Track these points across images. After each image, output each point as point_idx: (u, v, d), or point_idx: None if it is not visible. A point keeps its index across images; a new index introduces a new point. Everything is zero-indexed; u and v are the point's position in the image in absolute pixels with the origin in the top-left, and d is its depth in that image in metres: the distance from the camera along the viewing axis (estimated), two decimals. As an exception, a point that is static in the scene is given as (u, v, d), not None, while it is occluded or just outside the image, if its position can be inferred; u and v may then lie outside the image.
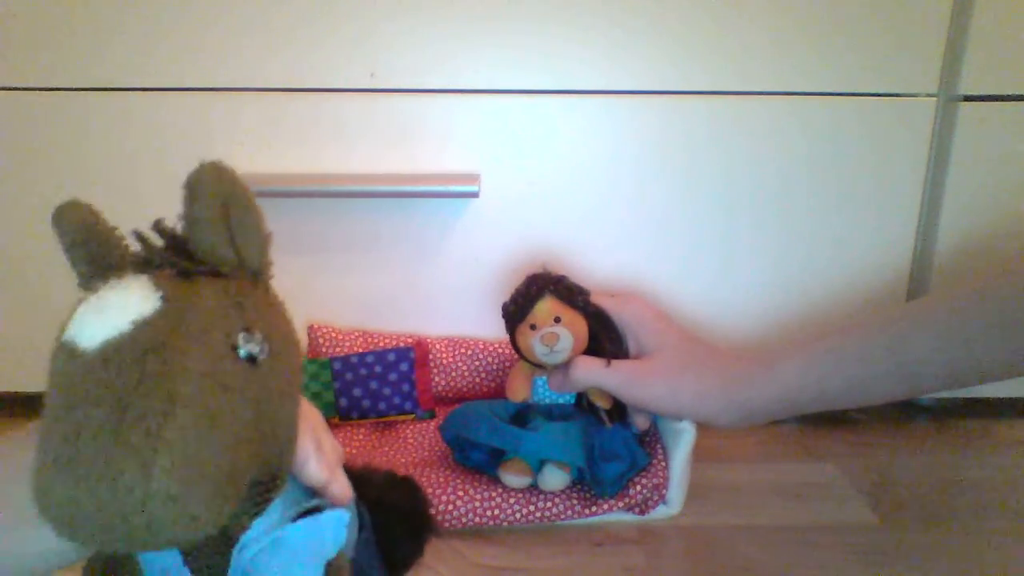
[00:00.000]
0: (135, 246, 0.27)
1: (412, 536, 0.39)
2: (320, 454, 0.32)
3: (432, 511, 0.41)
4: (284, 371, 0.27)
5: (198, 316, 0.24)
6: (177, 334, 0.24)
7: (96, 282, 0.25)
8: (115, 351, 0.23)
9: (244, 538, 0.27)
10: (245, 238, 0.26)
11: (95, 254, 0.26)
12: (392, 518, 0.38)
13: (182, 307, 0.24)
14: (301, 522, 0.28)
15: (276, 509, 0.28)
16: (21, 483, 0.23)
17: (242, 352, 0.25)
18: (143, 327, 0.23)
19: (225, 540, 0.28)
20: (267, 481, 0.27)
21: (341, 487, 0.33)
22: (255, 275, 0.27)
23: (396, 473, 0.43)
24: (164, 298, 0.24)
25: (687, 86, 0.56)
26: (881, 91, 0.56)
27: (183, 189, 0.25)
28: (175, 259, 0.26)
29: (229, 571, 0.27)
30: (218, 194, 0.25)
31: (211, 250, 0.26)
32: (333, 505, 0.31)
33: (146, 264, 0.26)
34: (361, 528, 0.35)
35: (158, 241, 0.27)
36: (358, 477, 0.35)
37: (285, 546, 0.28)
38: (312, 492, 0.32)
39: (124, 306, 0.24)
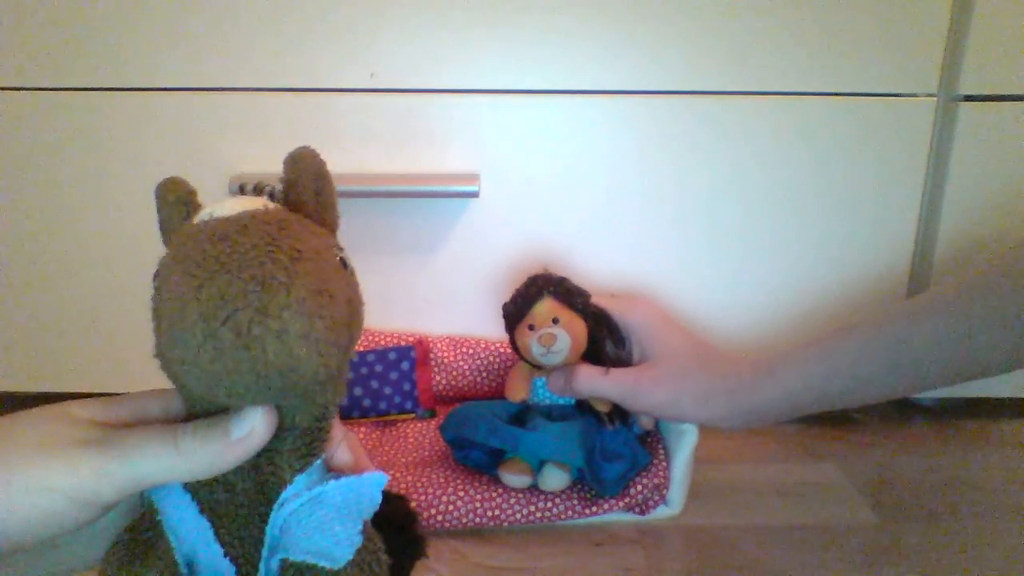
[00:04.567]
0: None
1: (400, 555, 0.38)
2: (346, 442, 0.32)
3: (421, 531, 0.38)
4: (356, 300, 0.28)
5: (304, 220, 0.28)
6: (295, 222, 0.26)
7: None
8: (251, 216, 0.26)
9: (283, 495, 0.27)
10: (327, 207, 0.30)
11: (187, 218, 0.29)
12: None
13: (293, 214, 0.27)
14: (342, 479, 0.28)
15: (316, 470, 0.28)
16: None
17: (339, 254, 0.28)
18: (269, 211, 0.26)
19: (262, 503, 0.28)
20: (319, 425, 0.28)
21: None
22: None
23: (388, 491, 0.41)
24: (277, 206, 0.28)
25: (687, 86, 0.56)
26: (881, 91, 0.56)
27: (284, 162, 0.29)
28: (278, 193, 0.29)
29: (267, 529, 0.27)
30: (314, 165, 0.29)
31: (303, 208, 0.29)
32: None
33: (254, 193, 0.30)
34: None
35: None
36: None
37: (325, 502, 0.27)
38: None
39: (247, 203, 0.27)
